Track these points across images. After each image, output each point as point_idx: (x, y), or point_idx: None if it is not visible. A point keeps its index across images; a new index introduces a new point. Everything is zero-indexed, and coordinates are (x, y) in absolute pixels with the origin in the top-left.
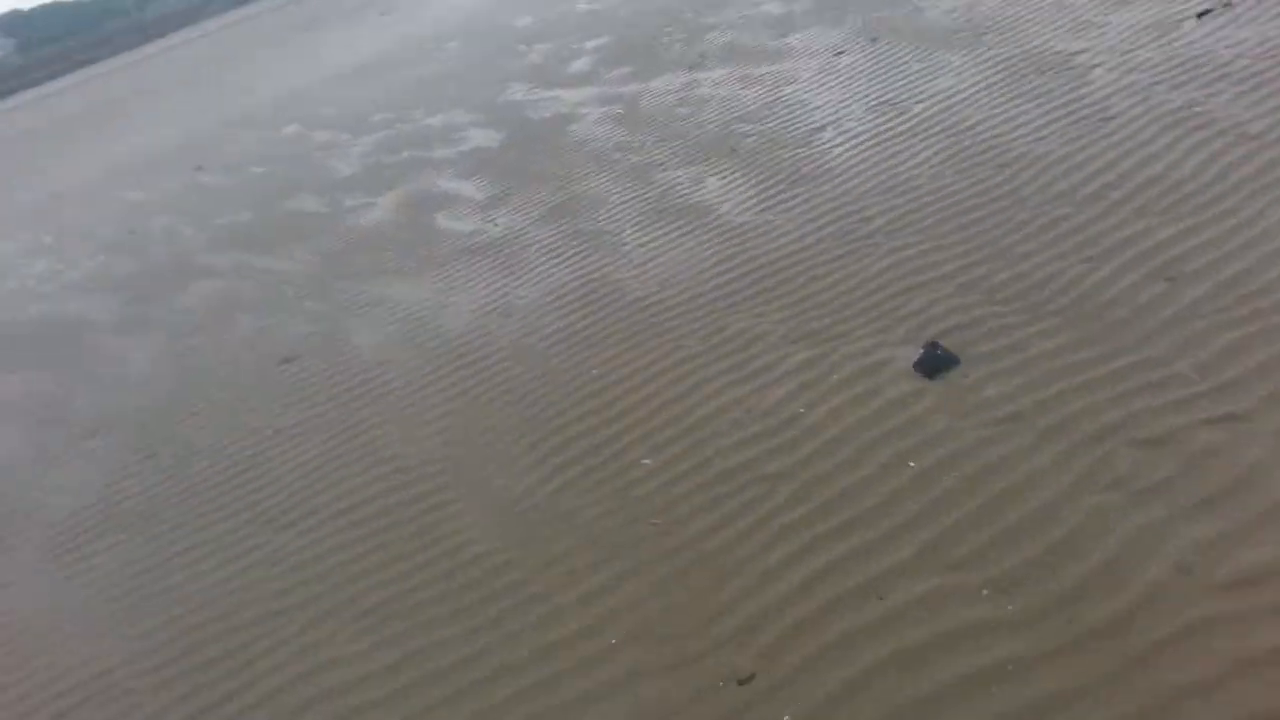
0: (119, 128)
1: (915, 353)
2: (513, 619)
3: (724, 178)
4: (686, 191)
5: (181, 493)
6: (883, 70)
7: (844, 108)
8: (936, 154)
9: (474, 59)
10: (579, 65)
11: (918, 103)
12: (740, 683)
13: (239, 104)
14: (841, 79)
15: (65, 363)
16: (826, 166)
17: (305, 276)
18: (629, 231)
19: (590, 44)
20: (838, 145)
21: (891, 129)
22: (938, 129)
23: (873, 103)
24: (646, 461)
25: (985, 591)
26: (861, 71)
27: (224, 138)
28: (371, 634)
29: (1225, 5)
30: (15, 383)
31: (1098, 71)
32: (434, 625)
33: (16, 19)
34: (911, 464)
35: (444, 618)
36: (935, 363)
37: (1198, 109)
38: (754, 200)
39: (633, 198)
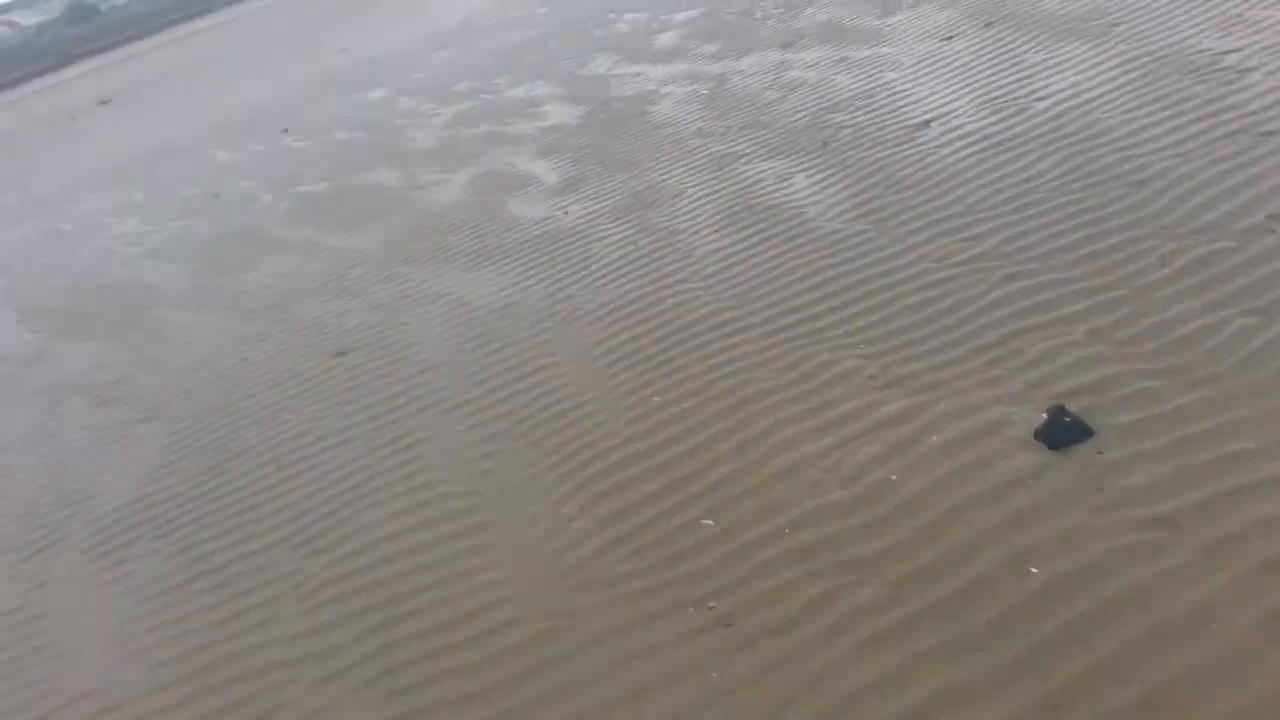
0: (217, 84)
1: (1035, 415)
2: (538, 713)
3: (812, 176)
4: (770, 189)
5: (217, 499)
6: (998, 60)
7: (952, 101)
8: (1059, 164)
9: (563, 25)
10: (667, 39)
11: (1038, 100)
12: None
13: (332, 65)
14: (950, 68)
15: (134, 337)
16: (930, 170)
17: (372, 258)
18: (705, 233)
19: (681, 16)
20: (944, 146)
21: (1007, 130)
22: (1061, 134)
23: (985, 98)
24: (708, 522)
25: None
26: (973, 61)
27: (313, 99)
28: (381, 710)
29: None
30: (87, 355)
31: (1254, 77)
32: (458, 706)
33: None
34: (1033, 570)
35: (475, 694)
36: (1062, 433)
37: None
38: (845, 205)
39: (711, 192)
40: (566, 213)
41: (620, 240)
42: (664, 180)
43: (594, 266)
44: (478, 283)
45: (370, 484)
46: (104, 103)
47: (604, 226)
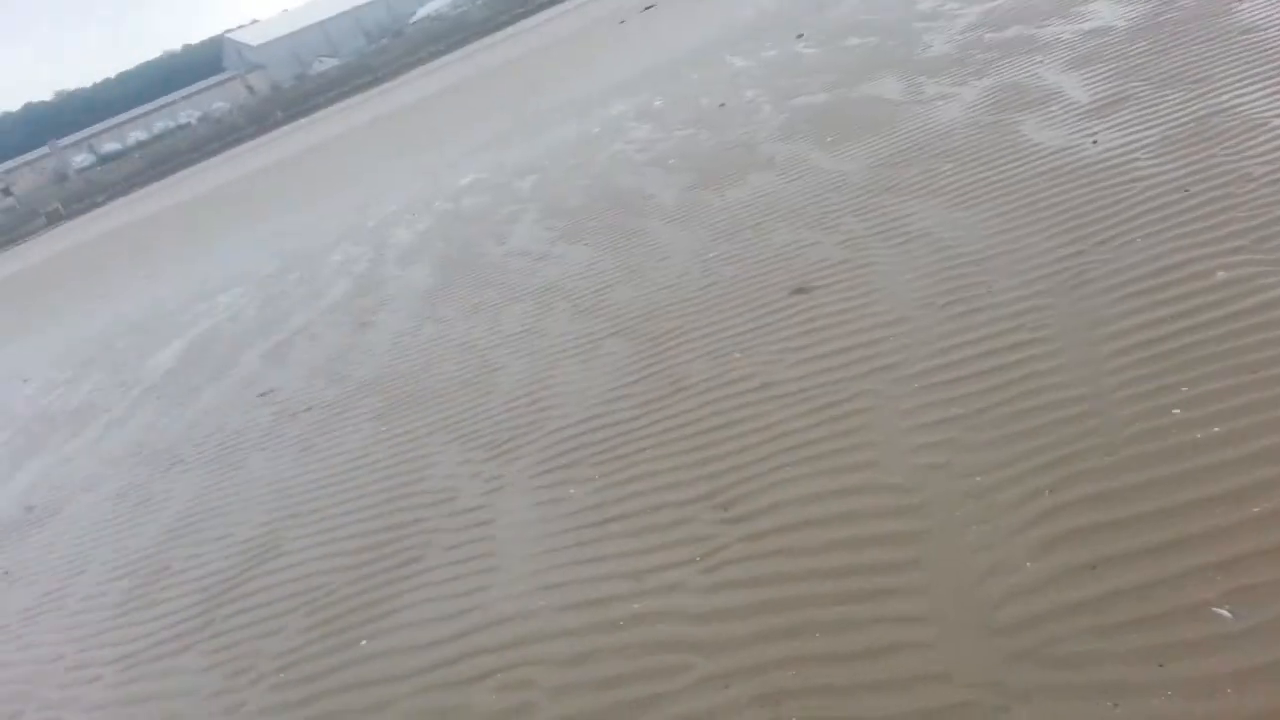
0: None
1: None
2: None
3: None
4: None
5: (653, 437)
6: None
7: None
8: None
9: None
10: None
11: None
12: None
13: None
14: None
15: (622, 246)
16: None
17: (853, 184)
18: None
19: None
20: None
21: None
22: None
23: None
24: (1223, 613)
25: None
26: None
27: None
28: None
29: None
30: (581, 259)
31: None
32: None
33: None
34: None
35: None
36: None
37: None
38: None
39: None
40: (1095, 141)
41: (1164, 184)
42: (1240, 105)
43: (1119, 216)
44: (964, 223)
45: (799, 452)
46: (649, 8)
47: (1143, 163)
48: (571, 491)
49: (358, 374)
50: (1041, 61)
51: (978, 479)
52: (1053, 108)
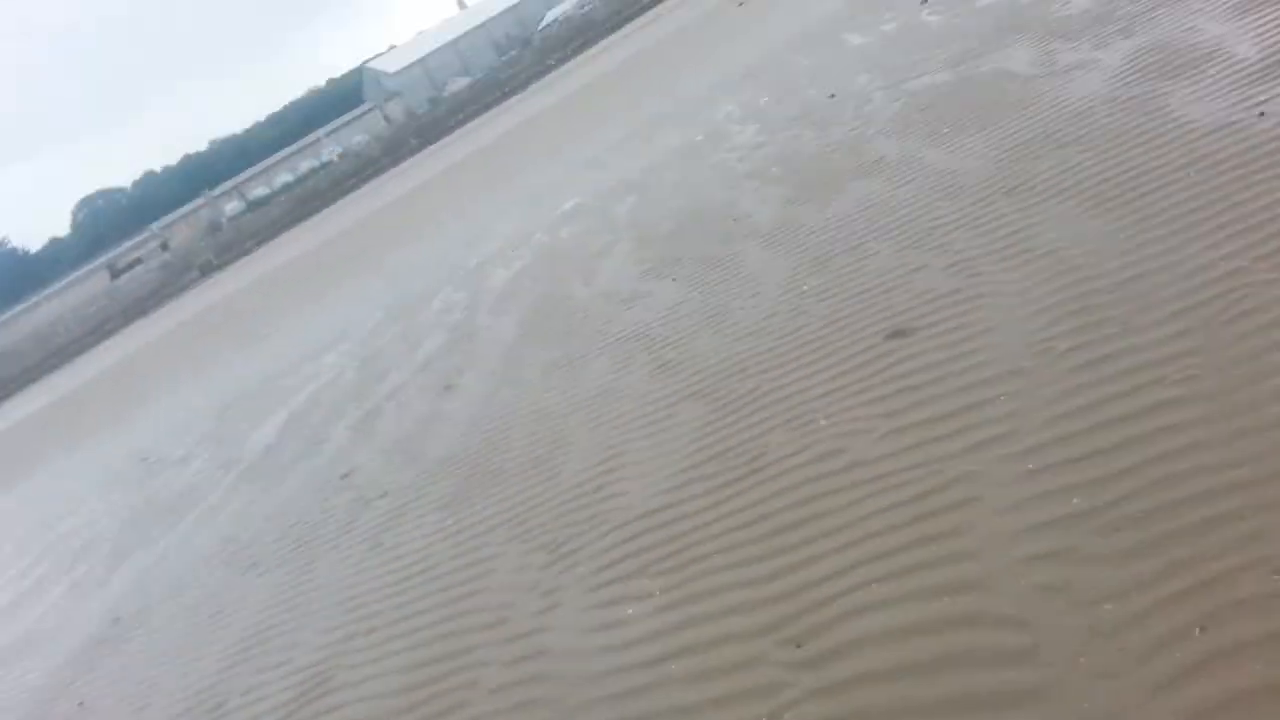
0: None
1: None
2: None
3: None
4: None
5: (723, 536)
6: None
7: None
8: None
9: None
10: None
11: None
12: None
13: None
14: None
15: (710, 279)
16: None
17: (969, 185)
18: None
19: None
20: None
21: None
22: None
23: None
24: None
25: None
26: None
27: None
28: None
29: None
30: (667, 299)
31: None
32: None
33: None
34: None
35: None
36: None
37: None
38: None
39: None
40: (1263, 114)
41: None
42: None
43: None
44: (1098, 235)
45: (888, 563)
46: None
47: None
48: (629, 612)
49: (433, 451)
50: (1200, 8)
51: (1106, 608)
52: (1209, 70)
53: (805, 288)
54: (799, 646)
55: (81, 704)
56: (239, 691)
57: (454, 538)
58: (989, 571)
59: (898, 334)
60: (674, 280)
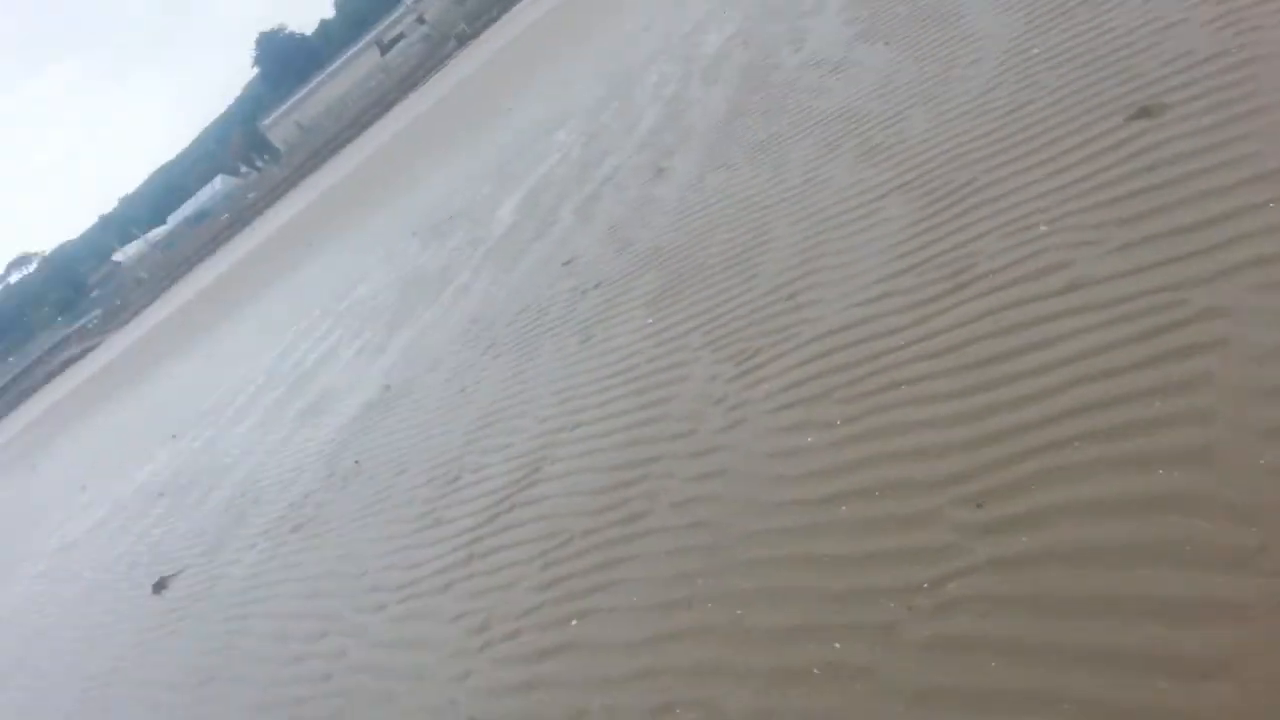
0: None
1: None
2: None
3: None
4: None
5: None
6: None
7: None
8: None
9: None
10: None
11: None
12: None
13: None
14: None
15: (922, 49)
16: None
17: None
18: None
19: None
20: None
21: None
22: None
23: None
24: None
25: None
26: None
27: None
28: None
29: None
30: (876, 65)
31: None
32: None
33: None
34: None
35: None
36: None
37: None
38: None
39: None
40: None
41: None
42: None
43: None
44: None
45: (1105, 415)
46: None
47: None
48: (809, 440)
49: (643, 240)
50: None
51: None
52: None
53: (1035, 50)
54: (980, 506)
55: (357, 462)
56: (470, 469)
57: (654, 339)
58: (1223, 441)
59: (1143, 113)
60: (887, 44)
